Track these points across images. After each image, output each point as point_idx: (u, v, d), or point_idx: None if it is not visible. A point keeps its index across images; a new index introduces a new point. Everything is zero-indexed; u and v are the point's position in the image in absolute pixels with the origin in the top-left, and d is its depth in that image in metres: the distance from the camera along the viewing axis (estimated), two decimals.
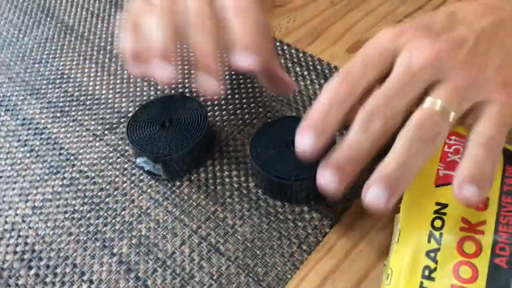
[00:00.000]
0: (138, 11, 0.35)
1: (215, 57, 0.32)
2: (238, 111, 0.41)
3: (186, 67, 0.45)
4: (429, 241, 0.27)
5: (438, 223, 0.28)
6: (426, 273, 0.27)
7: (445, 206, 0.29)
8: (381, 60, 0.29)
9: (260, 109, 0.41)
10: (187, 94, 0.42)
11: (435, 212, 0.29)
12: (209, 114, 0.40)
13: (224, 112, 0.41)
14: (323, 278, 0.31)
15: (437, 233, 0.28)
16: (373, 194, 0.26)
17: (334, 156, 0.28)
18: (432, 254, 0.27)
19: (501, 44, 0.30)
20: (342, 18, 0.49)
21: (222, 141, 0.39)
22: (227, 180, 0.36)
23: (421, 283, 0.26)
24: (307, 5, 0.51)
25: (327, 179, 0.28)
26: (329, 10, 0.50)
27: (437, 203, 0.29)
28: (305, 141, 0.28)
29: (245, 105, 0.41)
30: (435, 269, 0.27)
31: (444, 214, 0.28)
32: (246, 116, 0.40)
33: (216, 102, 0.42)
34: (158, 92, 0.43)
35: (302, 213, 0.34)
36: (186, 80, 0.44)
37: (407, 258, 0.28)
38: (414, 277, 0.27)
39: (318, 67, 0.44)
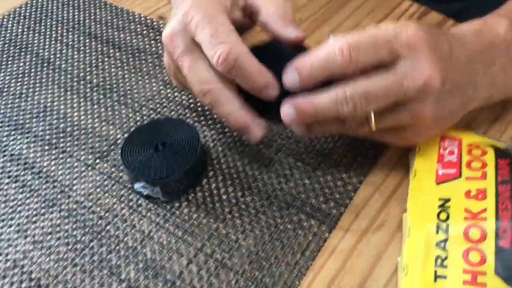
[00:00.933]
0: None
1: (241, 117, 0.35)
2: (226, 129, 0.42)
3: (168, 90, 0.46)
4: (437, 233, 0.30)
5: (443, 215, 0.31)
6: (439, 262, 0.29)
7: (447, 200, 0.31)
8: (389, 53, 0.30)
9: None
10: (173, 117, 0.43)
11: (440, 206, 0.31)
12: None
13: (213, 132, 0.42)
14: (329, 281, 0.33)
15: (443, 225, 0.30)
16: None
17: (300, 102, 0.33)
18: (442, 244, 0.29)
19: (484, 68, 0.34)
20: (310, 35, 0.51)
21: (214, 159, 0.40)
22: (224, 196, 0.37)
23: (435, 271, 0.29)
24: None
25: (287, 111, 0.33)
26: None
27: (440, 199, 0.32)
28: (293, 77, 0.32)
29: None
30: (446, 257, 0.29)
31: (448, 207, 0.31)
32: (235, 134, 0.42)
33: (203, 122, 0.43)
34: (145, 117, 0.44)
35: (301, 221, 0.35)
36: (170, 104, 0.45)
37: (420, 251, 0.30)
38: (428, 267, 0.29)
39: None
